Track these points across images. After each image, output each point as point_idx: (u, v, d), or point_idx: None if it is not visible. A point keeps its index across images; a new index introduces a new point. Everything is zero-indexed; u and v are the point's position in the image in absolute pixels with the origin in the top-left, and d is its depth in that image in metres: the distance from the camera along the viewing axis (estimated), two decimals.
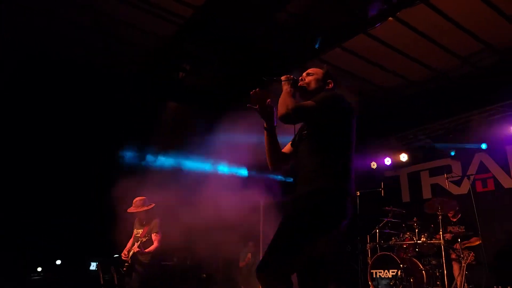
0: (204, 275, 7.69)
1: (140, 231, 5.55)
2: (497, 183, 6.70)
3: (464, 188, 6.89)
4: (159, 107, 8.30)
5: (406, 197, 7.99)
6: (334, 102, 2.35)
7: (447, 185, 6.76)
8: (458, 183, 7.07)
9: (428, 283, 5.62)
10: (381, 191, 6.62)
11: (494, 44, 6.22)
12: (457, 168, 7.21)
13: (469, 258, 4.76)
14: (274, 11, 6.04)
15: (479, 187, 6.84)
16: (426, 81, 7.20)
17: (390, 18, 5.71)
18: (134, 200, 5.54)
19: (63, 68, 7.23)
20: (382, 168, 8.00)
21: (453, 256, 5.70)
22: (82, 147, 7.61)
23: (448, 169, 7.18)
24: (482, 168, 6.91)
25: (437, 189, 7.38)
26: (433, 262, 5.83)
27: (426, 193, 7.58)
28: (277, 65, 7.15)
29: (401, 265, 5.63)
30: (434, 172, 7.54)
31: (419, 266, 5.73)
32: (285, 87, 2.46)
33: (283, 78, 2.53)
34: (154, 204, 5.61)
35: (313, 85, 2.58)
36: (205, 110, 8.21)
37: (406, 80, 7.32)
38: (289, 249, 2.08)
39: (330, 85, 2.59)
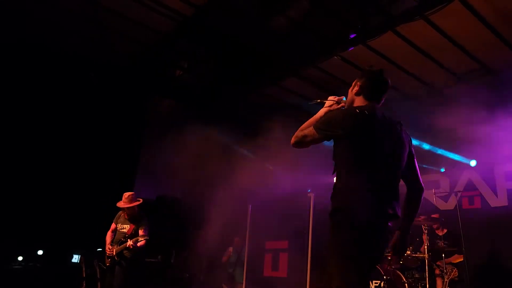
0: (187, 275, 7.65)
1: (126, 226, 5.52)
2: (483, 201, 6.76)
3: (451, 204, 6.94)
4: (154, 103, 8.29)
5: None
6: (335, 117, 2.32)
7: (434, 200, 6.81)
8: (445, 198, 7.12)
9: None
10: None
11: (488, 64, 6.31)
12: (445, 184, 7.26)
13: (452, 274, 4.80)
14: (274, 16, 6.07)
15: (466, 204, 6.90)
16: (421, 95, 7.27)
17: (389, 31, 5.78)
18: (124, 195, 5.52)
19: (57, 59, 7.18)
20: None
21: (437, 271, 5.74)
22: (70, 139, 7.55)
23: (436, 185, 7.23)
24: (470, 186, 6.97)
25: (424, 204, 7.40)
26: (417, 275, 5.88)
27: None
28: (273, 69, 7.19)
29: (384, 277, 5.66)
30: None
31: (402, 279, 5.76)
32: (324, 108, 2.51)
33: (330, 99, 2.55)
34: (141, 200, 5.58)
35: (348, 98, 2.55)
36: (199, 109, 8.21)
37: (401, 93, 7.39)
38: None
39: (355, 90, 2.49)
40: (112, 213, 5.83)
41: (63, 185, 7.52)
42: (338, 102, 2.52)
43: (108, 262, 5.45)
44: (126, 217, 5.58)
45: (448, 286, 4.74)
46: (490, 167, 6.79)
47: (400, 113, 7.17)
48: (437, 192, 6.61)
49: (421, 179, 2.40)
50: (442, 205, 7.06)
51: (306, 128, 2.36)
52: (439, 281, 5.66)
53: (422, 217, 5.71)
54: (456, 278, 4.94)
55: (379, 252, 2.19)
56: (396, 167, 2.26)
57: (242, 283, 7.23)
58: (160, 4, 5.97)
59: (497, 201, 6.60)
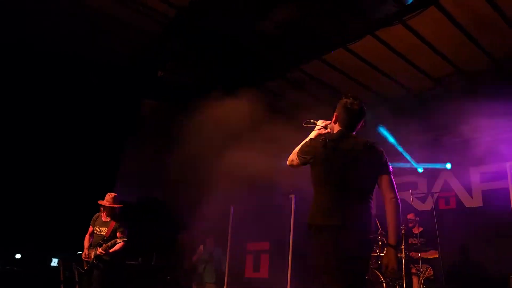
0: (169, 278, 7.62)
1: (104, 229, 5.45)
2: (459, 201, 6.96)
3: (428, 204, 7.11)
4: (138, 104, 8.23)
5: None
6: (303, 147, 2.78)
7: (412, 200, 6.97)
8: (422, 199, 7.29)
9: None
10: None
11: (463, 68, 6.50)
12: (422, 185, 7.44)
13: (427, 272, 4.93)
14: (258, 18, 6.13)
15: (442, 205, 7.09)
16: (399, 99, 7.43)
17: (369, 36, 5.90)
18: (109, 194, 5.51)
19: (40, 58, 7.07)
20: None
21: (413, 270, 5.88)
22: (50, 141, 7.45)
23: (414, 186, 7.39)
24: (446, 187, 7.16)
25: (402, 204, 7.56)
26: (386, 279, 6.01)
27: None
28: (258, 70, 7.25)
29: None
30: (401, 187, 7.69)
31: (380, 278, 5.88)
32: (315, 130, 2.93)
33: (320, 122, 2.94)
34: (122, 205, 5.56)
35: (331, 126, 2.90)
36: (183, 110, 8.19)
37: (380, 96, 7.54)
38: None
39: (334, 118, 2.81)
40: (89, 215, 5.78)
41: (42, 187, 7.40)
42: (325, 127, 2.88)
43: (85, 265, 5.40)
44: (103, 219, 5.51)
45: (423, 285, 4.86)
46: (466, 169, 6.99)
47: (379, 116, 7.36)
48: (414, 193, 6.78)
49: (391, 189, 2.58)
50: (420, 206, 7.23)
51: (293, 153, 2.82)
52: (415, 280, 5.80)
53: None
54: (432, 277, 5.07)
55: (331, 256, 2.44)
56: (349, 186, 2.54)
57: (212, 283, 7.21)
58: (145, 6, 5.98)
59: (472, 202, 6.80)
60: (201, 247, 7.38)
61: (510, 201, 4.95)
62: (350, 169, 2.54)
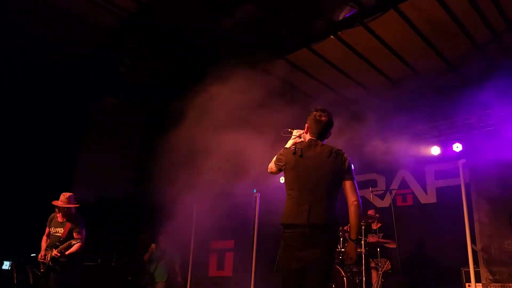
0: (129, 278, 7.45)
1: (60, 229, 5.25)
2: (415, 198, 7.27)
3: (387, 201, 7.37)
4: (96, 101, 7.97)
5: None
6: (277, 155, 3.10)
7: (371, 198, 7.20)
8: (381, 196, 7.55)
9: None
10: None
11: (419, 71, 6.78)
12: (381, 183, 7.70)
13: (385, 266, 5.11)
14: (220, 17, 6.11)
15: (400, 202, 7.37)
16: (359, 99, 7.64)
17: (331, 36, 6.03)
18: (63, 194, 5.30)
19: None
20: None
21: (372, 264, 6.07)
22: (2, 139, 7.10)
23: (373, 183, 7.64)
24: (403, 184, 7.46)
25: (363, 201, 7.79)
26: (354, 269, 6.17)
27: None
28: (219, 68, 7.22)
29: None
30: (361, 185, 7.96)
31: (341, 273, 6.03)
32: (291, 139, 3.23)
33: (295, 131, 3.25)
34: (78, 205, 5.37)
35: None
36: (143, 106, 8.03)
37: (341, 97, 7.72)
38: None
39: (306, 128, 3.15)
40: (44, 216, 5.54)
41: None
42: (300, 136, 3.20)
43: (42, 268, 5.18)
44: (59, 220, 5.30)
45: (382, 278, 5.04)
46: (421, 167, 7.30)
47: (339, 116, 7.54)
48: (373, 190, 7.00)
49: (353, 193, 2.88)
50: (379, 203, 7.48)
51: (272, 161, 3.12)
52: (374, 274, 6.00)
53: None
54: (389, 270, 5.26)
55: (301, 252, 2.76)
56: (315, 188, 2.85)
57: (163, 281, 7.15)
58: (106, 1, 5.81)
59: (427, 198, 7.12)
60: (153, 245, 7.26)
61: (462, 197, 5.21)
62: (315, 174, 2.87)
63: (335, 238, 2.98)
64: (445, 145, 6.88)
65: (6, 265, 7.65)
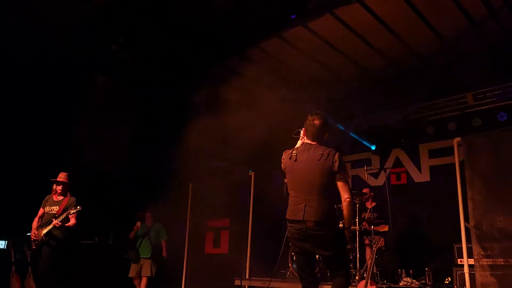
0: (126, 256, 7.53)
1: (55, 207, 5.35)
2: (409, 177, 7.35)
3: (381, 180, 7.45)
4: (90, 80, 7.85)
5: None
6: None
7: (366, 176, 7.27)
8: (375, 175, 7.62)
9: None
10: None
11: (416, 50, 6.74)
12: (376, 162, 7.76)
13: (379, 243, 5.20)
14: None
15: (394, 180, 7.45)
16: (355, 78, 7.60)
17: (328, 14, 5.95)
18: (61, 174, 5.51)
19: None
20: None
21: (366, 241, 6.18)
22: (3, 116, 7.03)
23: (368, 162, 7.70)
24: (397, 163, 7.53)
25: (357, 181, 7.89)
26: (348, 246, 6.25)
27: None
28: (215, 48, 7.13)
29: None
30: (356, 164, 8.05)
31: None
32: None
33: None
34: (75, 184, 5.53)
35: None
36: (137, 86, 7.94)
37: (336, 75, 7.68)
38: None
39: (300, 134, 3.55)
40: (40, 195, 5.59)
41: None
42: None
43: (34, 245, 5.24)
44: (55, 199, 5.45)
45: (375, 254, 5.14)
46: (415, 146, 7.35)
47: (334, 96, 7.52)
48: (368, 169, 7.06)
49: (345, 192, 3.25)
50: (373, 182, 7.56)
51: None
52: (368, 250, 6.12)
53: (354, 192, 6.09)
54: (383, 247, 5.36)
55: (302, 243, 3.22)
56: (309, 189, 3.22)
57: (147, 258, 7.28)
58: None
59: (421, 177, 7.19)
60: (138, 223, 7.35)
61: (456, 175, 5.27)
62: (308, 177, 3.23)
63: (333, 232, 3.24)
64: (440, 123, 6.92)
65: (2, 244, 7.68)
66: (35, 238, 5.23)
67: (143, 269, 7.16)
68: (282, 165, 3.40)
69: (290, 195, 3.32)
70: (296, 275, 3.54)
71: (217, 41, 6.95)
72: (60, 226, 5.06)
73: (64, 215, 5.13)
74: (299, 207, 3.19)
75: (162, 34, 6.88)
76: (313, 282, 3.35)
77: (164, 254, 7.36)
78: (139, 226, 7.27)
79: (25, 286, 6.29)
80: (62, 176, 5.48)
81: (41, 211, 5.46)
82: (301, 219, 3.15)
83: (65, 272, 5.68)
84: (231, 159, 7.54)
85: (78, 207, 5.20)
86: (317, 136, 3.35)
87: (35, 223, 5.40)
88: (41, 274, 5.06)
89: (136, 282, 7.21)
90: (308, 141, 3.37)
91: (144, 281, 7.14)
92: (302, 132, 3.50)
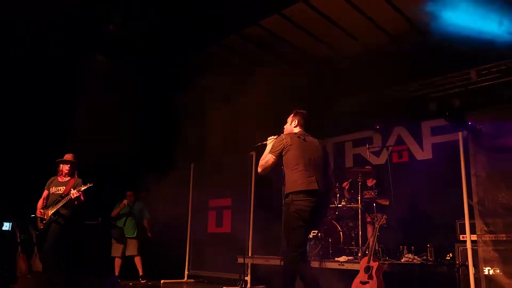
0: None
1: (61, 188, 5.36)
2: (411, 155, 7.31)
3: (382, 158, 7.42)
4: (86, 61, 7.76)
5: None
6: (277, 144, 3.73)
7: (368, 155, 7.24)
8: (377, 153, 7.58)
9: (344, 242, 6.11)
10: None
11: (418, 26, 6.61)
12: (377, 140, 7.72)
13: (381, 220, 5.22)
14: None
15: (395, 158, 7.41)
16: (356, 55, 7.50)
17: None
18: (66, 154, 5.53)
19: None
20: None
21: (368, 219, 6.21)
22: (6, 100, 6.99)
23: (370, 141, 7.66)
24: (399, 141, 7.48)
25: (358, 159, 7.87)
26: (350, 224, 6.32)
27: (349, 162, 8.07)
28: (215, 26, 7.02)
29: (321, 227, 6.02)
30: (358, 143, 8.01)
31: (338, 228, 6.19)
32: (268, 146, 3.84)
33: (269, 139, 3.91)
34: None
35: (285, 132, 3.98)
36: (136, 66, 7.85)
37: (338, 53, 7.58)
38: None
39: (294, 123, 3.97)
40: (43, 178, 5.59)
41: None
42: (275, 139, 3.84)
43: (41, 225, 5.25)
44: (60, 180, 5.44)
45: (378, 232, 5.17)
46: (417, 123, 7.30)
47: (336, 71, 7.42)
48: (370, 147, 7.03)
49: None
50: (375, 160, 7.52)
51: (263, 158, 3.73)
52: (370, 228, 6.15)
53: (357, 169, 6.12)
54: (385, 225, 5.38)
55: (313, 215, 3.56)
56: (316, 166, 3.69)
57: (133, 237, 7.36)
58: None
59: (423, 154, 7.16)
60: (125, 201, 7.42)
61: (459, 152, 5.23)
62: (314, 156, 3.71)
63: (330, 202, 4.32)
64: (443, 100, 6.85)
65: (6, 226, 7.75)
66: (41, 215, 5.25)
67: (129, 248, 7.28)
68: (278, 149, 3.67)
69: (294, 170, 3.60)
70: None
71: (217, 19, 6.83)
72: (74, 198, 5.09)
73: (75, 191, 5.13)
74: (311, 179, 3.55)
75: (160, 12, 6.77)
76: (305, 254, 3.59)
77: (149, 234, 7.48)
78: (126, 204, 7.36)
79: (32, 265, 6.39)
80: (69, 157, 5.48)
81: (45, 193, 5.46)
82: (317, 188, 3.51)
83: (71, 251, 5.72)
84: (232, 138, 7.51)
85: (89, 183, 5.22)
86: (306, 127, 3.95)
87: (40, 204, 5.41)
88: (48, 253, 5.09)
89: (117, 261, 7.30)
90: (301, 130, 3.89)
91: (138, 259, 7.28)
92: (270, 138, 3.92)
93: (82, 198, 5.21)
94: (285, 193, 3.64)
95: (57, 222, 5.14)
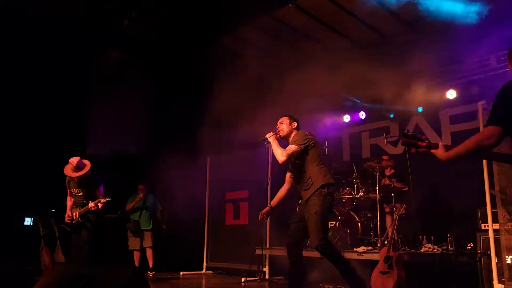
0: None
1: (80, 190, 5.37)
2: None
3: (400, 148, 7.33)
4: (100, 57, 7.83)
5: (347, 156, 8.37)
6: (302, 137, 4.08)
7: (385, 145, 7.17)
8: (394, 143, 7.50)
9: (362, 233, 6.08)
10: (325, 149, 6.89)
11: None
12: (394, 130, 7.62)
13: (401, 210, 5.18)
14: None
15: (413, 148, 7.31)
16: (371, 44, 7.39)
17: None
18: (70, 163, 5.17)
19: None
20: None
21: (387, 209, 6.17)
22: (13, 98, 7.10)
23: (386, 131, 7.56)
24: (417, 130, 7.36)
25: (375, 149, 7.79)
26: (369, 214, 6.29)
27: (365, 153, 8.00)
28: (228, 19, 6.99)
29: (339, 218, 6.01)
30: (374, 133, 7.92)
31: (356, 218, 6.16)
32: (272, 141, 4.13)
33: (267, 135, 4.19)
34: (89, 165, 5.31)
35: (286, 131, 4.25)
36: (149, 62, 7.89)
37: (352, 42, 7.48)
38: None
39: (294, 125, 4.30)
40: (61, 172, 5.54)
41: (8, 146, 7.13)
42: (273, 135, 4.20)
43: (73, 225, 5.35)
44: (76, 180, 5.34)
45: (397, 222, 5.13)
46: (435, 112, 7.18)
47: (349, 64, 7.35)
48: (387, 137, 6.95)
49: None
50: (392, 150, 7.44)
51: (289, 149, 4.02)
52: (388, 218, 6.11)
53: (375, 160, 6.07)
54: (404, 215, 5.34)
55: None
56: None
57: (148, 230, 7.48)
58: None
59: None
60: (141, 195, 7.53)
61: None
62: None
63: None
64: (461, 88, 6.72)
65: (28, 221, 7.93)
66: (68, 220, 5.35)
67: (146, 240, 7.41)
68: (306, 140, 4.04)
69: (322, 164, 4.10)
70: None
71: (229, 11, 6.81)
72: (95, 209, 5.18)
73: (93, 204, 5.16)
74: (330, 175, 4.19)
75: (174, 6, 6.78)
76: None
77: (163, 226, 7.66)
78: (141, 197, 7.48)
79: (55, 258, 6.54)
80: (71, 167, 5.15)
81: (68, 190, 5.53)
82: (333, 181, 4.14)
83: (98, 246, 5.80)
84: (248, 131, 7.51)
85: (107, 198, 5.22)
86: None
87: (69, 202, 5.48)
88: (82, 247, 5.23)
89: (136, 254, 7.43)
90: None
91: (150, 252, 7.39)
92: (268, 134, 4.22)
93: (100, 206, 5.23)
94: (315, 185, 3.95)
95: (86, 226, 5.28)
